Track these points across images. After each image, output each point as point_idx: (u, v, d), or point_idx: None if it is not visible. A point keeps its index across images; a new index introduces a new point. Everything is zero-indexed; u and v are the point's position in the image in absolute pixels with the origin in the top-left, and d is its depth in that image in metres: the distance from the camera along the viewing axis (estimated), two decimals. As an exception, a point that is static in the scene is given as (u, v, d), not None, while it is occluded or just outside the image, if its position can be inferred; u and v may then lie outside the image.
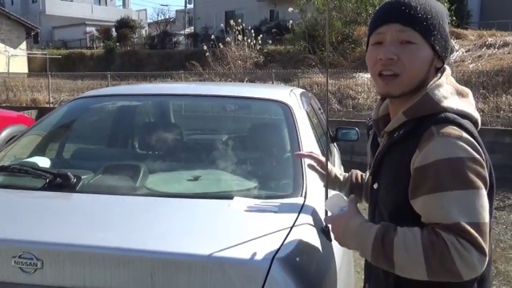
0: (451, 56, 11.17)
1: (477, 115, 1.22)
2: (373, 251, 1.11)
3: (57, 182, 1.74)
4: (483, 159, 1.10)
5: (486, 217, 1.06)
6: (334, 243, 1.46)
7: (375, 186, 1.30)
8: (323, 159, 1.60)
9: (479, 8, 20.30)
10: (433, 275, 1.05)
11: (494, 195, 1.19)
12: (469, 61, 10.74)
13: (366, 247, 1.13)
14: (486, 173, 1.10)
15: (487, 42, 11.80)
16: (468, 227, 1.03)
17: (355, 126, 4.28)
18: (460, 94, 1.22)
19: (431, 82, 1.20)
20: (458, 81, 1.30)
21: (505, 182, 6.67)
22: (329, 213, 1.33)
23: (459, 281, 1.04)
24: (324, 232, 1.44)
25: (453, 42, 12.01)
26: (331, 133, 3.67)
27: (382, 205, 1.26)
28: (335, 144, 3.74)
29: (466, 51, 11.58)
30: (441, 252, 1.02)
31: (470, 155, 1.08)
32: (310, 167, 1.61)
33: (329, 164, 1.64)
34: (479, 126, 1.23)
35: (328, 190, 1.48)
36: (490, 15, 18.33)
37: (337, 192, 1.30)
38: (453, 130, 1.10)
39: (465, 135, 1.10)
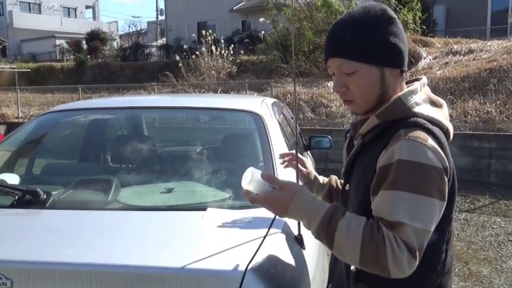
0: (419, 63, 11.45)
1: (449, 125, 1.25)
2: (318, 226, 1.15)
3: (27, 198, 1.70)
4: (445, 168, 1.13)
5: (429, 225, 1.09)
6: (308, 251, 1.48)
7: (347, 187, 1.33)
8: (304, 159, 1.66)
9: (444, 16, 20.88)
10: (364, 263, 1.10)
11: (454, 202, 1.22)
12: (437, 68, 11.00)
13: (313, 221, 1.17)
14: (444, 184, 1.12)
15: (453, 50, 12.13)
16: (407, 229, 1.06)
17: (329, 134, 4.34)
18: (433, 103, 1.26)
19: (406, 90, 1.24)
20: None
21: (474, 184, 6.86)
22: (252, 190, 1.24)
23: (387, 277, 1.08)
24: (297, 240, 1.45)
25: (421, 49, 12.31)
26: (304, 141, 3.71)
27: (350, 205, 1.30)
28: (309, 152, 3.78)
29: (433, 59, 11.87)
30: (377, 245, 1.06)
31: (432, 162, 1.10)
32: (294, 166, 1.63)
33: (310, 166, 1.67)
34: (451, 137, 1.26)
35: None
36: (455, 24, 18.88)
37: (253, 171, 1.25)
38: (420, 134, 1.13)
39: (431, 141, 1.13)
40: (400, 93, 1.23)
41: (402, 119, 1.18)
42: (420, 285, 1.19)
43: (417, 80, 1.32)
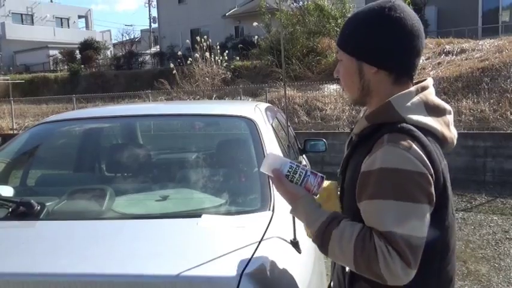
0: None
1: (444, 130, 1.21)
2: (315, 233, 1.19)
3: (20, 210, 1.69)
4: (431, 174, 1.10)
5: (420, 231, 1.07)
6: (304, 256, 1.48)
7: (344, 186, 1.32)
8: None
9: (436, 17, 21.02)
10: (359, 271, 1.11)
11: (446, 209, 1.19)
12: (430, 68, 11.07)
13: (311, 227, 1.21)
14: (431, 189, 1.10)
15: (445, 50, 12.20)
16: (398, 238, 1.05)
17: (324, 137, 4.35)
18: (430, 108, 1.20)
19: (399, 94, 1.19)
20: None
21: (471, 183, 6.88)
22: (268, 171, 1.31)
23: (385, 284, 1.08)
24: (293, 245, 1.45)
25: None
26: (299, 145, 3.72)
27: (344, 204, 1.31)
28: (304, 156, 3.79)
29: (426, 59, 11.92)
30: (369, 254, 1.07)
31: (416, 168, 1.08)
32: None
33: None
34: (453, 143, 1.24)
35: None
36: (447, 24, 19.00)
37: (268, 158, 1.32)
38: (404, 141, 1.11)
39: (414, 147, 1.10)
40: (392, 97, 1.19)
41: (390, 123, 1.16)
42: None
43: (423, 81, 1.27)
